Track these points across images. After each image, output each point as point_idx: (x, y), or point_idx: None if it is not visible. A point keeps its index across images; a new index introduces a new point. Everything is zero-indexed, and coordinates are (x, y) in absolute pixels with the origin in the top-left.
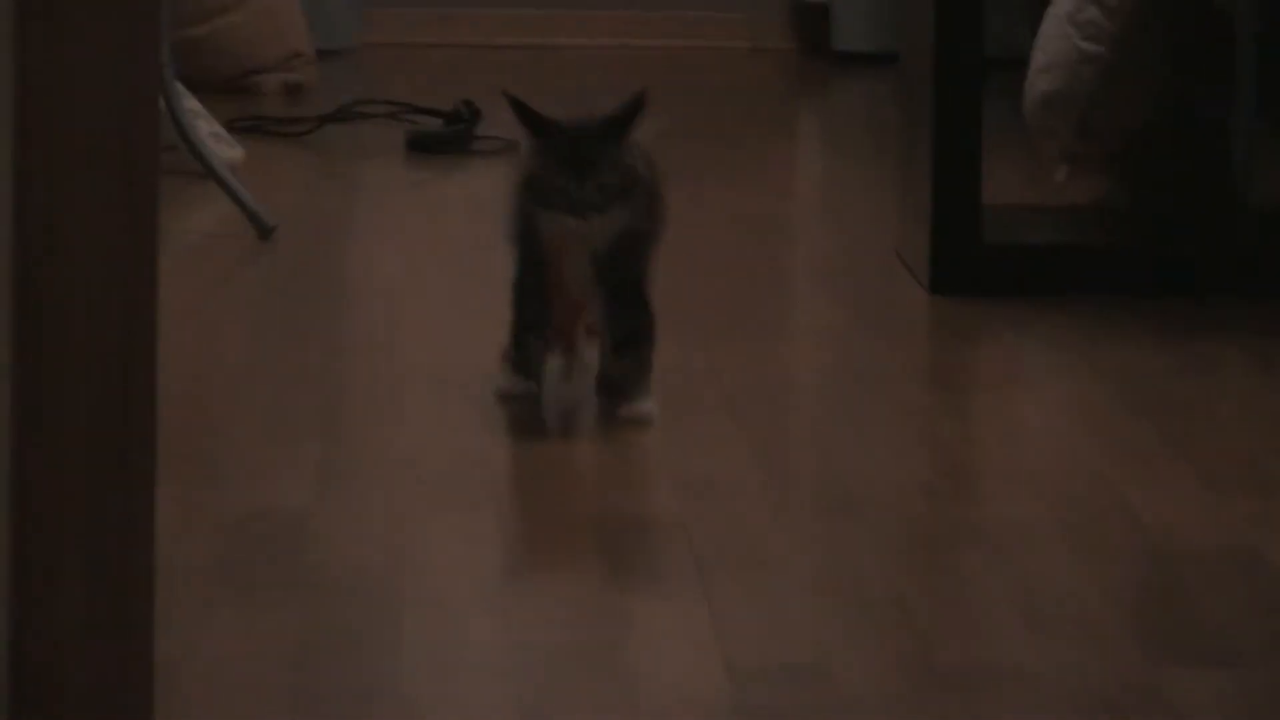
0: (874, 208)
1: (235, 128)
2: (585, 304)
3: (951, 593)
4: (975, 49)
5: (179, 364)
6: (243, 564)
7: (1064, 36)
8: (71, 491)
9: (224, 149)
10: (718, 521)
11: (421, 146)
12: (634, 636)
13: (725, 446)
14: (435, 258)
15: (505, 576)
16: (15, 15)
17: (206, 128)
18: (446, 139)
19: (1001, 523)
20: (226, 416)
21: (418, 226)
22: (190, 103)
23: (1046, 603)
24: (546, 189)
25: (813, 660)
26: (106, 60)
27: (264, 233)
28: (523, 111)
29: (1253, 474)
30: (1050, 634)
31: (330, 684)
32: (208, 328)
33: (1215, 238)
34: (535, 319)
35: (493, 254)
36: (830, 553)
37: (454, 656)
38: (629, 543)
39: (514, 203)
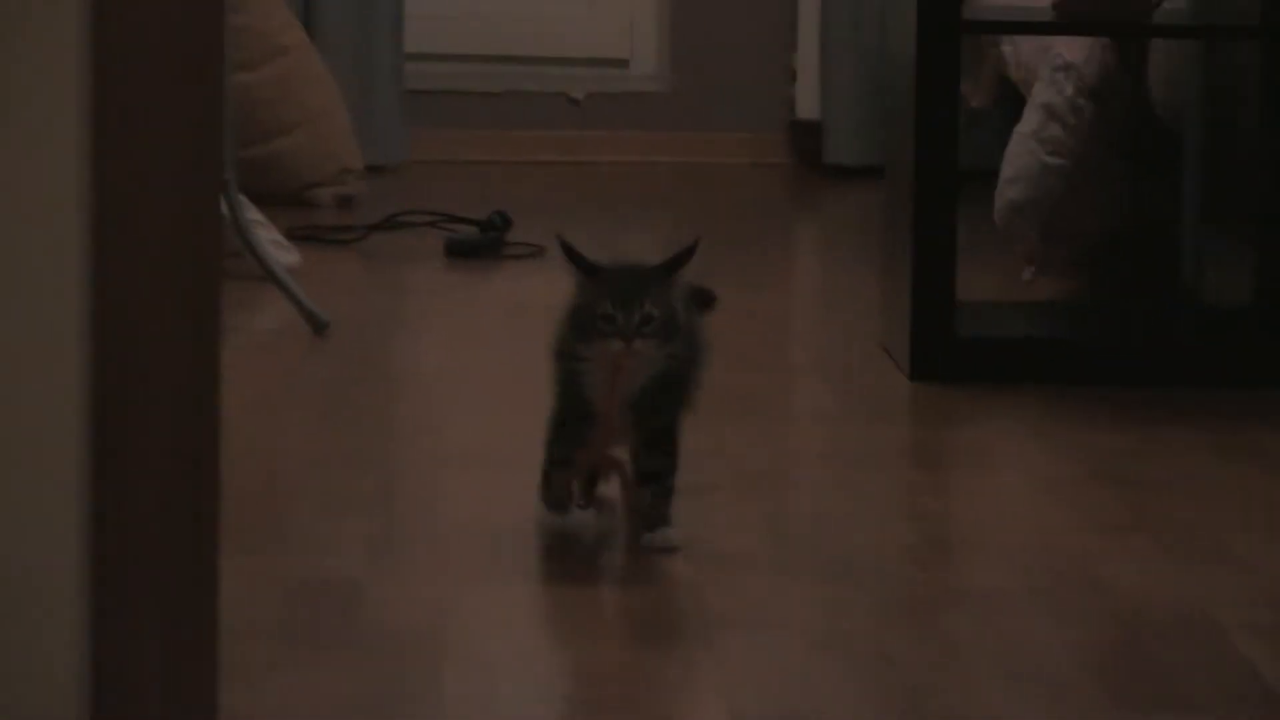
0: (861, 304)
1: (293, 235)
2: (619, 438)
3: (937, 650)
4: (950, 162)
5: (244, 447)
6: (301, 626)
7: (1030, 151)
8: (145, 561)
9: (283, 254)
10: (725, 586)
11: (459, 252)
12: (650, 689)
13: (732, 518)
14: (474, 351)
15: (536, 637)
16: (91, 129)
17: (267, 235)
18: (481, 245)
19: (981, 588)
20: (287, 493)
21: (457, 323)
22: (253, 213)
23: (1022, 659)
24: (593, 318)
25: (811, 711)
26: (174, 171)
27: (319, 330)
28: (573, 254)
29: (1206, 544)
30: (1026, 688)
31: None
32: (270, 414)
33: (1169, 331)
34: (565, 456)
35: (525, 346)
36: (827, 614)
37: (490, 710)
38: (646, 605)
39: (559, 342)
